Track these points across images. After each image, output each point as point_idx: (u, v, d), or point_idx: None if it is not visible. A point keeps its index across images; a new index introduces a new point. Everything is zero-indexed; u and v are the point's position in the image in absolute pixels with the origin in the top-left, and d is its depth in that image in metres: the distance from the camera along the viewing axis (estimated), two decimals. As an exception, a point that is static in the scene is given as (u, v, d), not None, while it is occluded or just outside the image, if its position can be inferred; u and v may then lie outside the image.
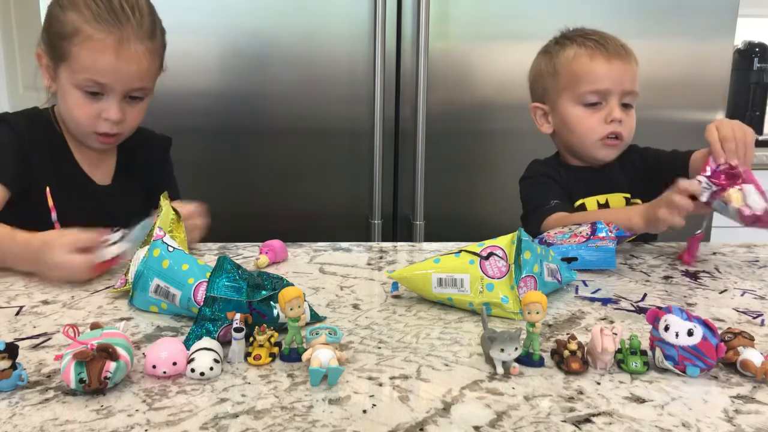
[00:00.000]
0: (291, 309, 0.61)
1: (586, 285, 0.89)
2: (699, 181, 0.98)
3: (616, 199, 1.22)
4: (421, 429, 0.51)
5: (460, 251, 0.79)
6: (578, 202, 1.21)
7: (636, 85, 1.18)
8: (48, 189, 1.09)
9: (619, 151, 1.21)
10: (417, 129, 1.64)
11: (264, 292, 0.68)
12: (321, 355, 0.57)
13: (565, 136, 1.24)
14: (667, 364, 0.60)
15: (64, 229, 0.97)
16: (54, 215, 1.09)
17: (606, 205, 1.21)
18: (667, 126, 1.73)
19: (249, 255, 1.05)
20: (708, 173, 0.99)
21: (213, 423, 0.51)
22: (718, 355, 0.59)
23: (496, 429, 0.51)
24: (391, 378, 0.59)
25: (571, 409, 0.54)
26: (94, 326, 0.60)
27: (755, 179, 0.99)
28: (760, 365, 0.59)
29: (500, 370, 0.60)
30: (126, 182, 1.19)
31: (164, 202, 0.92)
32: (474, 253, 0.78)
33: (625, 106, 1.18)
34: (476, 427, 0.51)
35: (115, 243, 0.87)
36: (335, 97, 1.66)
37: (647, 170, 1.22)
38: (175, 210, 0.93)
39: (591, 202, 1.21)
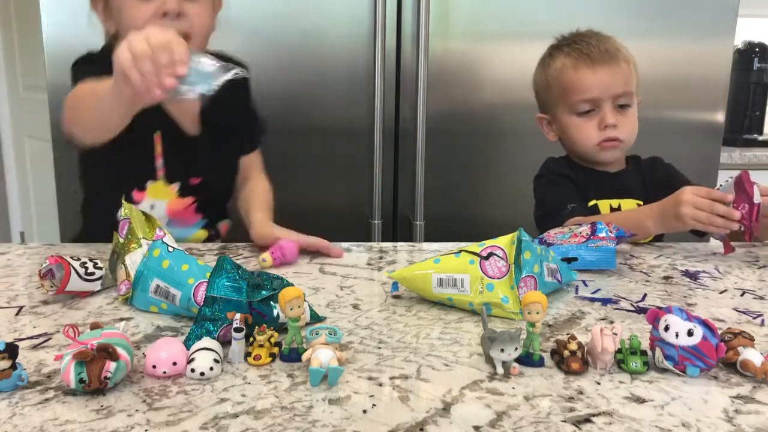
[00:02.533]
0: (291, 309, 0.61)
1: (586, 285, 0.89)
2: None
3: (629, 204, 1.22)
4: (421, 429, 0.51)
5: (460, 251, 0.79)
6: (591, 203, 1.22)
7: (629, 85, 1.18)
8: (159, 134, 1.10)
9: (621, 151, 1.22)
10: (417, 129, 1.64)
11: (264, 292, 0.68)
12: (321, 355, 0.57)
13: (567, 144, 1.26)
14: (667, 364, 0.60)
15: None
16: (160, 161, 1.10)
17: (618, 210, 1.21)
18: (667, 126, 1.73)
19: (249, 255, 1.05)
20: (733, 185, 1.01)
21: (213, 423, 0.51)
22: (718, 355, 0.59)
23: (496, 429, 0.51)
24: (391, 378, 0.59)
25: (571, 409, 0.54)
26: (94, 326, 0.60)
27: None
28: (760, 365, 0.59)
29: (500, 370, 0.60)
30: (212, 121, 1.17)
31: (127, 207, 0.88)
32: (474, 253, 0.78)
33: (622, 107, 1.18)
34: (476, 427, 0.51)
35: (91, 279, 0.82)
36: (335, 97, 1.66)
37: (669, 188, 1.12)
38: (144, 213, 0.90)
39: (604, 204, 1.22)
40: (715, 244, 1.15)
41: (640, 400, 0.56)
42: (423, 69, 1.61)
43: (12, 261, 0.99)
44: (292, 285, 0.66)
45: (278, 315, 0.68)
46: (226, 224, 1.28)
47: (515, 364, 0.60)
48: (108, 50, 1.05)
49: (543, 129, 1.29)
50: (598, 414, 0.53)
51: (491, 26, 1.68)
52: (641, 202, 1.21)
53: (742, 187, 1.01)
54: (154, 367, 0.58)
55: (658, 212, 1.06)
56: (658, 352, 0.60)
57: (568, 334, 0.70)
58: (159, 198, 1.14)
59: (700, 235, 1.22)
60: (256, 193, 1.24)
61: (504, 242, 0.78)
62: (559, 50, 1.23)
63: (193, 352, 0.59)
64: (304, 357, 0.59)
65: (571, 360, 0.60)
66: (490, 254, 0.77)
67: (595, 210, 1.21)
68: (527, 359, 0.62)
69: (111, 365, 0.54)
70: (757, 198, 1.00)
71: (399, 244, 1.16)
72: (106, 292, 0.84)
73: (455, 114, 1.71)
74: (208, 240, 1.22)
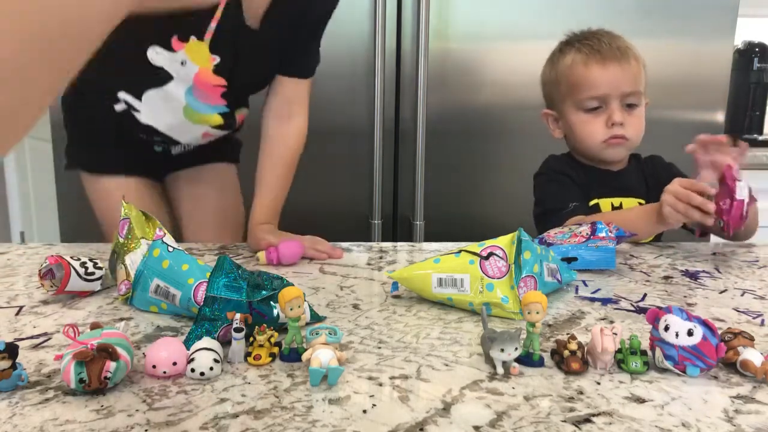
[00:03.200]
0: (291, 309, 0.61)
1: (586, 285, 0.89)
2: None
3: (631, 203, 1.22)
4: (421, 429, 0.51)
5: (460, 251, 0.79)
6: (593, 202, 1.22)
7: (638, 84, 1.18)
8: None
9: (627, 150, 1.22)
10: (417, 129, 1.64)
11: (264, 292, 0.68)
12: (321, 355, 0.57)
13: (572, 141, 1.25)
14: (667, 364, 0.60)
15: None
16: (214, 24, 1.04)
17: (620, 208, 1.21)
18: (667, 126, 1.73)
19: (249, 255, 1.05)
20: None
21: (213, 423, 0.51)
22: (718, 355, 0.59)
23: (496, 429, 0.51)
24: (391, 378, 0.59)
25: (571, 409, 0.54)
26: (94, 326, 0.60)
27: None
28: (760, 365, 0.59)
29: (500, 370, 0.60)
30: (273, 27, 1.12)
31: (127, 207, 0.87)
32: (474, 253, 0.78)
33: (630, 106, 1.18)
34: (476, 427, 0.51)
35: (91, 279, 0.82)
36: (335, 97, 1.66)
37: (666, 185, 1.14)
38: (144, 213, 0.89)
39: (605, 203, 1.22)
40: (716, 243, 1.16)
41: (640, 400, 0.56)
42: (423, 69, 1.61)
43: (12, 261, 0.99)
44: (292, 285, 0.66)
45: (278, 315, 0.68)
46: (244, 114, 1.24)
47: (515, 364, 0.60)
48: None
49: (549, 125, 1.29)
50: (598, 414, 0.53)
51: (491, 27, 1.68)
52: (643, 201, 1.21)
53: (725, 181, 1.00)
54: (154, 367, 0.58)
55: (658, 207, 1.06)
56: (658, 352, 0.60)
57: (568, 334, 0.70)
58: (195, 60, 1.06)
59: (689, 230, 1.21)
60: (270, 170, 1.18)
61: (504, 242, 0.78)
62: (569, 46, 1.22)
63: (193, 352, 0.59)
64: (304, 357, 0.59)
65: (571, 360, 0.60)
66: (490, 254, 0.77)
67: (597, 209, 1.21)
68: (527, 359, 0.62)
69: (111, 365, 0.54)
70: (740, 195, 0.99)
71: (399, 244, 1.16)
72: (106, 292, 0.84)
73: (455, 114, 1.71)
74: (220, 128, 1.18)
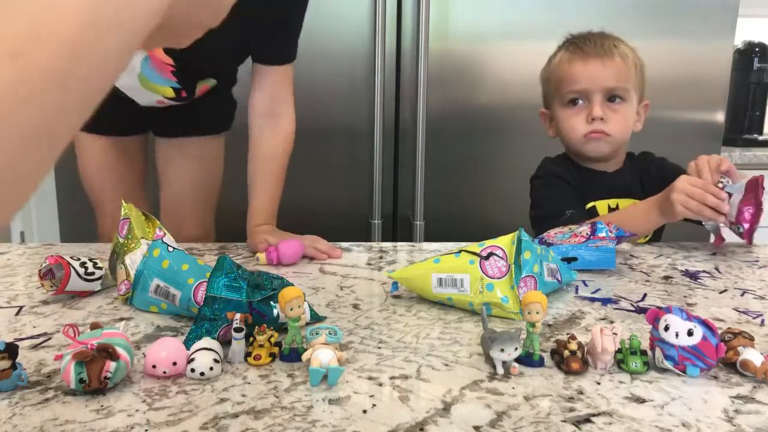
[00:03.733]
0: (291, 309, 0.61)
1: (586, 285, 0.89)
2: (726, 190, 1.04)
3: (628, 204, 1.22)
4: (421, 429, 0.51)
5: (460, 251, 0.79)
6: (589, 205, 1.22)
7: (622, 80, 1.17)
8: None
9: (609, 146, 1.20)
10: (417, 129, 1.64)
11: (264, 292, 0.68)
12: (321, 355, 0.57)
13: (561, 138, 1.26)
14: (667, 364, 0.60)
15: None
16: None
17: (617, 209, 1.21)
18: (667, 126, 1.73)
19: (249, 255, 1.05)
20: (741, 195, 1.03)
21: (213, 423, 0.51)
22: (718, 355, 0.59)
23: (496, 429, 0.51)
24: (391, 378, 0.59)
25: (571, 409, 0.54)
26: (94, 326, 0.60)
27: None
28: (760, 365, 0.59)
29: (500, 370, 0.60)
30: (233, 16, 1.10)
31: (127, 207, 0.87)
32: (474, 253, 0.78)
33: (614, 102, 1.18)
34: (476, 427, 0.51)
35: (91, 279, 0.82)
36: (335, 97, 1.66)
37: (662, 180, 1.15)
38: (144, 213, 0.90)
39: (602, 205, 1.22)
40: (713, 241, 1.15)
41: (640, 400, 0.56)
42: (423, 69, 1.61)
43: (12, 261, 0.99)
44: (292, 285, 0.66)
45: (278, 315, 0.68)
46: (208, 85, 1.23)
47: (515, 364, 0.60)
48: None
49: (546, 124, 1.30)
50: (598, 414, 0.53)
51: (491, 27, 1.69)
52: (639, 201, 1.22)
53: (754, 189, 1.02)
54: (154, 367, 0.58)
55: (659, 201, 1.07)
56: (658, 352, 0.60)
57: (568, 334, 0.70)
58: None
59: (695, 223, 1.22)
60: (263, 172, 1.17)
61: (504, 242, 0.78)
62: (562, 46, 1.25)
63: (193, 352, 0.59)
64: (304, 357, 0.59)
65: (571, 360, 0.60)
66: (490, 254, 0.77)
67: (594, 212, 1.21)
68: (527, 359, 0.62)
69: (111, 365, 0.54)
70: (764, 205, 1.03)
71: (399, 244, 1.16)
72: (106, 292, 0.84)
73: (455, 114, 1.71)
74: (174, 99, 1.18)
